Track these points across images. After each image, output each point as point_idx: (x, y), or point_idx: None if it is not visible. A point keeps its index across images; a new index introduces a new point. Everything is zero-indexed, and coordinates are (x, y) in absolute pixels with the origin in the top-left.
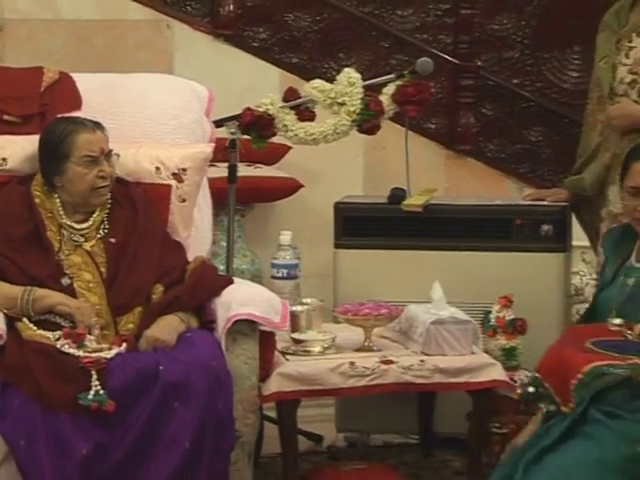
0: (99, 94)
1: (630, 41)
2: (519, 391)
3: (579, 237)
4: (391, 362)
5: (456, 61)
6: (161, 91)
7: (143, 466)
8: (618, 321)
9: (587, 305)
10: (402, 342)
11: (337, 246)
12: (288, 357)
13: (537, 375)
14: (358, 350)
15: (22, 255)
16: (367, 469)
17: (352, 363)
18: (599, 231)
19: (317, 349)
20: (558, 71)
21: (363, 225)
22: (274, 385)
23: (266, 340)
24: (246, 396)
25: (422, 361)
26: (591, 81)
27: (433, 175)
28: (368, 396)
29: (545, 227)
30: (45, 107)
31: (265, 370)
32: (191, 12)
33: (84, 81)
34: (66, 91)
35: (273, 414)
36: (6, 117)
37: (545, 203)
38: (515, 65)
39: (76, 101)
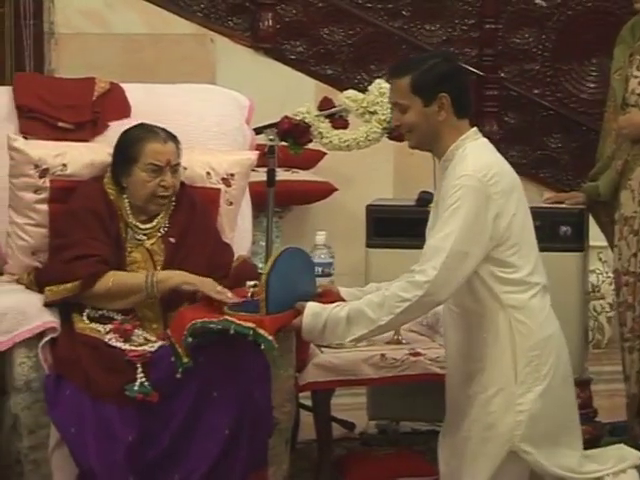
0: (146, 103)
1: None
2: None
3: (595, 237)
4: (419, 354)
5: (481, 73)
6: (204, 100)
7: (186, 453)
8: (251, 283)
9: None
10: (429, 335)
11: (368, 245)
12: (323, 349)
13: (168, 332)
14: (388, 343)
15: (105, 246)
16: (396, 454)
17: (383, 355)
18: (614, 232)
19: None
20: (576, 82)
21: (393, 226)
22: (309, 375)
23: None
24: (283, 386)
25: None
26: (608, 91)
27: None
28: (397, 386)
29: (564, 228)
30: (96, 115)
31: (301, 361)
32: (233, 27)
33: (133, 91)
34: (116, 100)
35: (309, 403)
36: (60, 124)
37: (564, 206)
38: (536, 76)
39: (125, 110)
